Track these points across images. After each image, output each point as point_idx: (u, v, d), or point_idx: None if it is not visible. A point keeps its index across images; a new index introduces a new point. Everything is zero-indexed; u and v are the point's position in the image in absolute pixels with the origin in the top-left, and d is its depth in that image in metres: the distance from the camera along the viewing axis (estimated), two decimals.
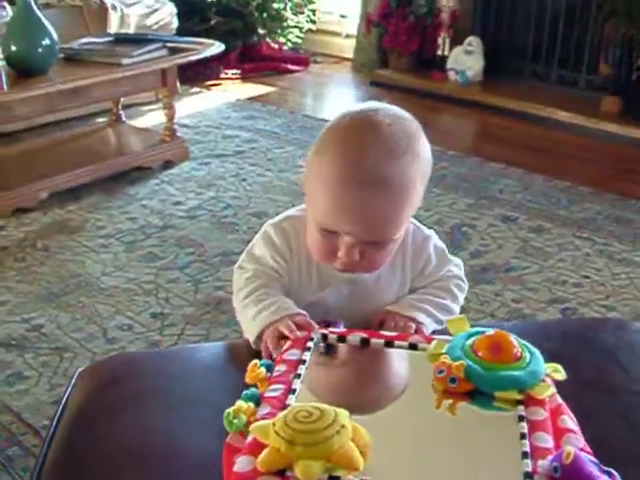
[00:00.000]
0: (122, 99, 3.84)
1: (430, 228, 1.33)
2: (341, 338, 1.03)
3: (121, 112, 3.89)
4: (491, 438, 0.88)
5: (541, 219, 3.13)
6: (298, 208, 1.32)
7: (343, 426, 0.76)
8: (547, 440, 0.81)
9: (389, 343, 1.02)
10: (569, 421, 0.86)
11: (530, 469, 0.77)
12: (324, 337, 1.03)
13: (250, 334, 1.18)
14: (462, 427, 0.90)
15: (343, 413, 0.79)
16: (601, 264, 2.77)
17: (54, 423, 1.09)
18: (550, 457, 0.78)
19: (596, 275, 2.70)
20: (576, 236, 2.99)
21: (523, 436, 0.82)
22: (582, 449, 0.80)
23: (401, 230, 1.19)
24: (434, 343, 0.99)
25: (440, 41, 4.85)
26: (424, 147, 1.17)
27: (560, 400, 0.90)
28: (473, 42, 4.73)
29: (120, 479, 0.93)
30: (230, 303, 1.30)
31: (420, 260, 1.30)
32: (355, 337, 1.02)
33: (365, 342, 1.02)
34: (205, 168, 3.62)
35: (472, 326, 1.01)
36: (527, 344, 0.95)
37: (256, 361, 0.95)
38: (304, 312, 1.16)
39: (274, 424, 0.77)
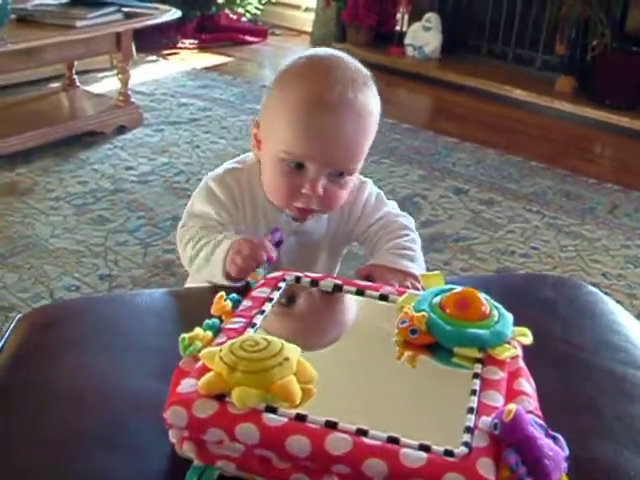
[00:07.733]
0: (76, 64, 3.78)
1: None
2: (314, 282, 1.01)
3: (75, 77, 3.83)
4: (443, 392, 0.87)
5: (492, 192, 3.16)
6: (235, 160, 1.32)
7: (287, 359, 0.76)
8: (497, 399, 0.80)
9: (360, 292, 1.00)
10: (526, 384, 0.85)
11: (472, 424, 0.76)
12: (297, 279, 1.02)
13: (216, 269, 1.16)
14: (416, 379, 0.88)
15: (291, 347, 0.78)
16: (549, 236, 2.81)
17: None
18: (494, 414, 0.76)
19: (544, 247, 2.73)
20: (526, 209, 3.02)
21: (473, 392, 0.81)
22: (531, 411, 0.78)
23: (361, 162, 1.21)
24: (404, 296, 0.97)
25: (399, 16, 4.85)
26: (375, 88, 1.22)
27: (522, 364, 0.88)
28: (432, 18, 4.74)
29: (55, 421, 0.92)
30: (179, 266, 1.28)
31: (358, 204, 1.32)
32: (328, 283, 1.01)
33: (338, 288, 1.01)
34: (159, 134, 3.59)
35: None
36: (498, 305, 0.92)
37: (222, 293, 0.95)
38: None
39: (220, 350, 0.77)
